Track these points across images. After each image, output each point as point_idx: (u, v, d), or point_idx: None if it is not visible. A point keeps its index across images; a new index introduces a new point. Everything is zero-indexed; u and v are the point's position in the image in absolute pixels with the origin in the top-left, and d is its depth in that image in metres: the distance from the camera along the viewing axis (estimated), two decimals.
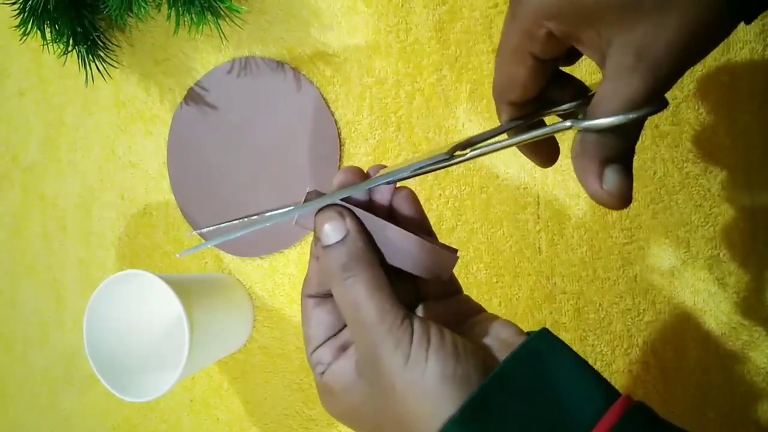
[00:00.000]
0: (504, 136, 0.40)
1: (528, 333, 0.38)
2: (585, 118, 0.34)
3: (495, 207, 0.69)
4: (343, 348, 0.38)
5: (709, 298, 0.65)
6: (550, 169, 0.68)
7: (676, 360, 0.66)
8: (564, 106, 0.40)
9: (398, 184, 0.40)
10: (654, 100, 0.33)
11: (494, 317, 0.40)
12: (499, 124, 0.41)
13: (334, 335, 0.39)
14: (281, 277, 0.77)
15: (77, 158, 0.84)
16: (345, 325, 0.40)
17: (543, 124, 0.40)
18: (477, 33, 0.69)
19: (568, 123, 0.35)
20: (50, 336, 0.86)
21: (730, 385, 0.64)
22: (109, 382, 0.67)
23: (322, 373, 0.38)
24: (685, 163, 0.65)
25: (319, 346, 0.39)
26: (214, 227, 0.43)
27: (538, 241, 0.69)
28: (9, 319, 0.88)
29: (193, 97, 0.78)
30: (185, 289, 0.65)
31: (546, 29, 0.33)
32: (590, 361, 0.67)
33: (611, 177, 0.35)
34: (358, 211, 0.38)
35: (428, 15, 0.70)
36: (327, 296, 0.40)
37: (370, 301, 0.34)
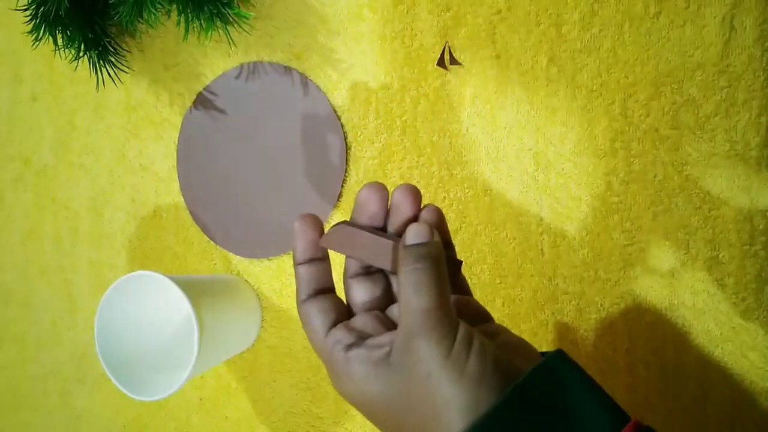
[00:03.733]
0: None
1: (543, 353, 0.39)
2: None
3: (498, 209, 0.70)
4: (362, 333, 0.40)
5: (709, 298, 0.65)
6: (552, 172, 0.69)
7: (676, 359, 0.66)
8: None
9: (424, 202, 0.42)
10: None
11: (509, 331, 0.42)
12: None
13: (345, 321, 0.41)
14: (289, 277, 0.78)
15: (89, 161, 0.85)
16: (350, 315, 0.42)
17: None
18: (480, 39, 0.70)
19: None
20: (62, 336, 0.87)
21: (729, 384, 0.65)
22: (119, 381, 0.67)
23: (345, 349, 0.39)
24: (685, 167, 0.65)
25: (331, 329, 0.40)
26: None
27: (541, 243, 0.69)
28: (22, 319, 0.89)
29: (202, 101, 0.79)
30: (194, 290, 0.66)
31: None
32: (591, 361, 0.68)
33: None
34: (369, 235, 0.41)
35: (433, 21, 0.71)
36: (320, 293, 0.42)
37: (431, 289, 0.36)
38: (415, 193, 0.41)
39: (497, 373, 0.35)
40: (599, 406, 0.35)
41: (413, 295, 0.36)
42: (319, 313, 0.41)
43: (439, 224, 0.42)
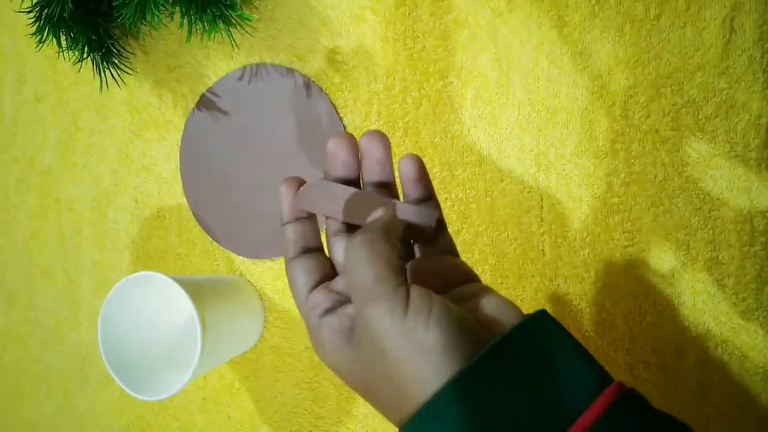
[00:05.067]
0: None
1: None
2: None
3: (499, 210, 0.71)
4: (339, 296, 0.39)
5: (709, 299, 0.66)
6: (553, 173, 0.69)
7: (677, 359, 0.67)
8: None
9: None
10: None
11: (492, 291, 0.40)
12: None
13: (327, 282, 0.41)
14: None
15: (92, 163, 0.86)
16: (335, 274, 0.42)
17: None
18: (482, 41, 0.70)
19: None
20: (66, 336, 0.88)
21: (729, 384, 0.65)
22: (123, 381, 0.67)
23: (320, 315, 0.38)
24: (685, 168, 0.66)
25: (312, 290, 0.40)
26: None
27: (542, 243, 0.70)
28: (26, 319, 0.90)
29: (205, 103, 0.80)
30: (198, 290, 0.66)
31: None
32: None
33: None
34: (340, 187, 0.41)
35: (435, 23, 0.71)
36: (308, 251, 0.42)
37: (369, 266, 0.35)
38: (381, 137, 0.41)
39: (464, 341, 0.34)
40: (582, 367, 0.34)
41: (352, 271, 0.35)
42: (302, 273, 0.41)
43: (419, 175, 0.42)
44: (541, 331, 0.35)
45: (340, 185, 0.41)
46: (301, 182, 0.42)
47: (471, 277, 0.42)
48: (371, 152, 0.42)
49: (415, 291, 0.35)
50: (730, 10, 0.64)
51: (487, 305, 0.38)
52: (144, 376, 0.70)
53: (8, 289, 0.90)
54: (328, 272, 0.41)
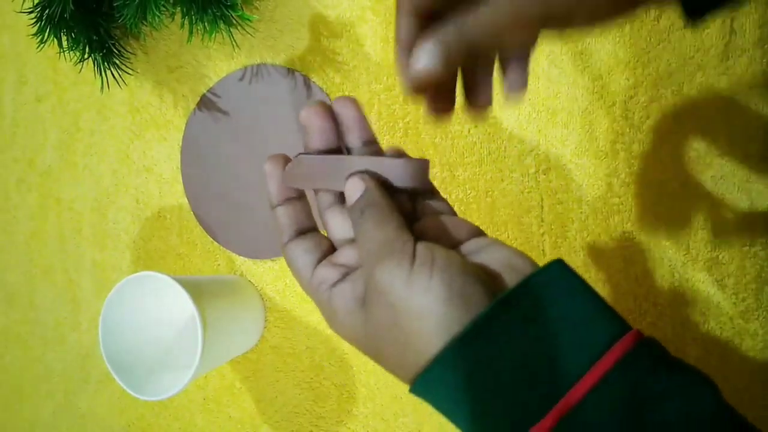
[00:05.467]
0: None
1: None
2: None
3: (500, 210, 0.71)
4: (346, 267, 0.40)
5: (709, 299, 0.66)
6: (553, 173, 0.69)
7: None
8: None
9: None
10: None
11: (502, 244, 0.39)
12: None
13: (329, 256, 0.41)
14: (292, 278, 0.78)
15: (93, 163, 0.86)
16: (333, 249, 0.42)
17: None
18: None
19: None
20: (67, 336, 0.88)
21: (729, 384, 0.65)
22: (124, 381, 0.67)
23: (330, 287, 0.39)
24: (685, 168, 0.66)
25: (317, 266, 0.40)
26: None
27: (542, 243, 0.70)
28: (26, 319, 0.90)
29: (205, 103, 0.80)
30: (198, 290, 0.67)
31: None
32: None
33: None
34: (325, 157, 0.41)
35: None
36: (304, 232, 0.42)
37: (376, 232, 0.36)
38: (352, 99, 0.41)
39: (472, 289, 0.34)
40: (597, 314, 0.34)
41: (362, 241, 0.37)
42: (303, 254, 0.41)
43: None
44: (554, 282, 0.35)
45: (323, 156, 0.41)
46: (286, 159, 0.42)
47: (476, 232, 0.42)
48: (346, 114, 0.41)
49: (420, 245, 0.36)
50: (729, 11, 0.64)
51: (498, 257, 0.38)
52: (145, 376, 0.70)
53: (9, 289, 0.90)
54: (328, 248, 0.41)
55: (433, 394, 0.35)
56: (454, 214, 0.44)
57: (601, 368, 0.32)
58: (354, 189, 0.39)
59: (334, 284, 0.38)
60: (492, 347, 0.33)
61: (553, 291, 0.35)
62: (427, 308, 0.33)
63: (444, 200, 0.44)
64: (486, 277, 0.36)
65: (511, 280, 0.36)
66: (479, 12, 0.33)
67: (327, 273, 0.39)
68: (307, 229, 0.42)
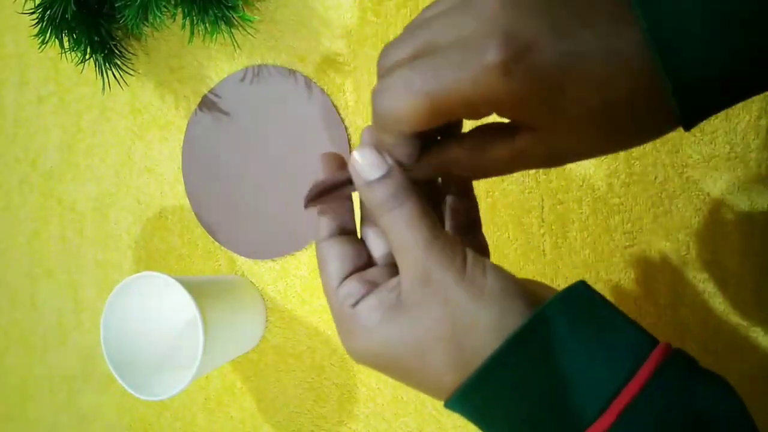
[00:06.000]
0: None
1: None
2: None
3: (500, 211, 0.71)
4: (375, 284, 0.38)
5: (709, 299, 0.66)
6: (553, 173, 0.69)
7: None
8: None
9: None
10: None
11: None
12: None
13: (359, 271, 0.39)
14: (293, 279, 0.78)
15: (94, 163, 0.86)
16: (370, 263, 0.40)
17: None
18: None
19: None
20: (68, 336, 0.88)
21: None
22: (125, 381, 0.68)
23: (353, 305, 0.37)
24: (686, 168, 0.66)
25: (345, 279, 0.38)
26: None
27: (543, 244, 0.70)
28: (28, 320, 0.90)
29: (207, 104, 0.80)
30: (200, 290, 0.67)
31: (489, 111, 0.33)
32: None
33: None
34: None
35: None
36: (342, 234, 0.40)
37: (421, 223, 0.35)
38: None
39: (519, 293, 0.34)
40: (628, 328, 0.35)
41: (403, 234, 0.35)
42: (335, 260, 0.39)
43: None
44: (587, 296, 0.36)
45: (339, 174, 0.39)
46: (338, 156, 0.40)
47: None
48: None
49: (467, 249, 0.36)
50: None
51: (527, 281, 0.38)
52: (146, 376, 0.70)
53: (10, 290, 0.91)
54: (362, 260, 0.40)
55: (485, 390, 0.34)
56: (479, 224, 0.44)
57: (639, 380, 0.33)
58: (374, 163, 0.36)
59: (358, 302, 0.37)
60: (541, 353, 0.33)
61: (588, 303, 0.35)
62: (483, 307, 0.34)
63: (472, 198, 0.43)
64: (525, 285, 0.36)
65: (543, 294, 0.36)
66: (488, 161, 0.36)
67: (353, 289, 0.37)
68: (349, 230, 0.40)
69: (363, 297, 0.37)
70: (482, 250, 0.43)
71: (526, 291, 0.35)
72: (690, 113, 0.31)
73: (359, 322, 0.36)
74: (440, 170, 0.37)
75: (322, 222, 0.40)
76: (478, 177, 0.38)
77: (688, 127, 0.32)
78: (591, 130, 0.32)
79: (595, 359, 0.33)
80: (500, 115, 0.33)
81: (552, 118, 0.32)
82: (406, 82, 0.32)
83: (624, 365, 0.33)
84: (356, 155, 0.36)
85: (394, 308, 0.36)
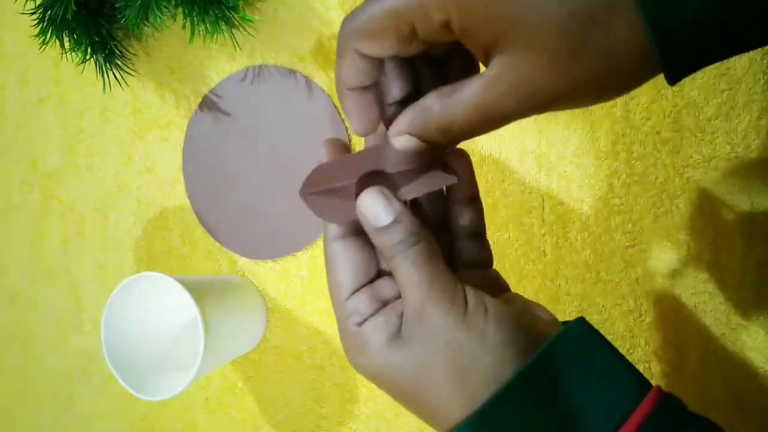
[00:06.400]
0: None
1: (564, 323, 0.38)
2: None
3: (501, 211, 0.71)
4: (383, 302, 0.37)
5: (710, 299, 0.66)
6: (554, 174, 0.69)
7: (677, 360, 0.67)
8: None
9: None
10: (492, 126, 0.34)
11: (525, 298, 0.40)
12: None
13: (370, 284, 0.38)
14: (293, 279, 0.78)
15: (95, 164, 0.86)
16: (379, 274, 0.39)
17: None
18: None
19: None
20: (69, 337, 0.88)
21: (729, 384, 0.65)
22: (126, 382, 0.68)
23: (359, 323, 0.37)
24: (686, 169, 0.66)
25: (354, 292, 0.37)
26: None
27: (543, 244, 0.70)
28: (29, 320, 0.90)
29: (207, 104, 0.80)
30: (200, 291, 0.67)
31: (445, 17, 0.32)
32: None
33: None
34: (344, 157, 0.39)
35: None
36: (356, 235, 0.38)
37: (427, 266, 0.35)
38: (466, 155, 0.41)
39: (518, 338, 0.35)
40: (623, 371, 0.35)
41: (409, 274, 0.35)
42: (347, 269, 0.38)
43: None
44: (583, 337, 0.36)
45: (342, 157, 0.39)
46: (341, 142, 0.40)
47: (504, 287, 0.43)
48: (459, 167, 0.40)
49: (469, 290, 0.36)
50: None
51: (525, 309, 0.39)
52: (147, 376, 0.70)
53: (11, 290, 0.91)
54: (373, 269, 0.39)
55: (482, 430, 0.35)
56: (491, 259, 0.44)
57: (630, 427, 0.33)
58: (381, 212, 0.36)
59: (365, 320, 0.37)
60: (540, 393, 0.34)
61: (583, 345, 0.36)
62: (483, 353, 0.34)
63: (487, 245, 0.43)
64: (528, 327, 0.36)
65: (545, 331, 0.37)
66: (459, 103, 0.33)
67: (362, 306, 0.37)
68: (361, 230, 0.38)
69: (370, 316, 0.37)
70: (487, 257, 0.43)
71: (525, 336, 0.35)
72: (667, 50, 0.30)
73: (363, 342, 0.36)
74: (423, 133, 0.36)
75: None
76: (466, 132, 0.35)
77: (669, 72, 0.31)
78: (556, 47, 0.30)
79: (587, 408, 0.34)
80: (457, 25, 0.32)
81: (507, 23, 0.31)
82: (359, 9, 0.33)
83: (615, 414, 0.34)
84: (364, 201, 0.36)
85: (397, 336, 0.36)
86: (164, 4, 0.71)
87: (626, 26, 0.29)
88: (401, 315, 0.36)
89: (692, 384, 0.66)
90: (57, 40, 0.76)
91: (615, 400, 0.34)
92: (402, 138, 0.36)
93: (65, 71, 0.86)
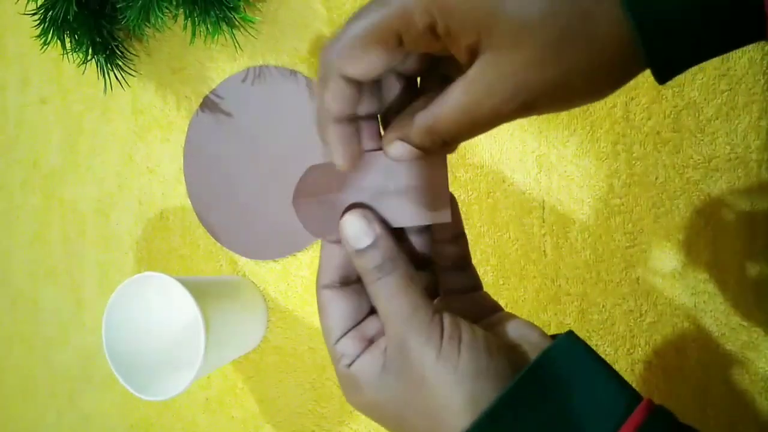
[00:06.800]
0: None
1: (553, 336, 0.38)
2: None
3: (501, 211, 0.71)
4: (369, 340, 0.38)
5: (710, 299, 0.66)
6: (555, 174, 0.69)
7: (677, 360, 0.67)
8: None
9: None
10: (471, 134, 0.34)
11: (515, 317, 0.40)
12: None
13: (356, 326, 0.39)
14: (294, 279, 0.78)
15: (96, 164, 0.86)
16: (367, 315, 0.39)
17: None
18: None
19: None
20: (70, 337, 0.88)
21: (729, 384, 0.65)
22: (127, 382, 0.68)
23: (348, 365, 0.37)
24: (686, 169, 0.66)
25: (342, 336, 0.38)
26: None
27: (543, 244, 0.70)
28: (30, 320, 0.90)
29: (208, 104, 0.80)
30: (201, 291, 0.67)
31: (430, 21, 0.32)
32: None
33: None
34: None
35: None
36: (344, 285, 0.39)
37: (403, 296, 0.35)
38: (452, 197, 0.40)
39: (496, 364, 0.34)
40: (611, 387, 0.35)
41: (387, 304, 0.35)
42: (335, 316, 0.38)
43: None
44: (572, 353, 0.36)
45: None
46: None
47: (494, 308, 0.42)
48: None
49: (447, 318, 0.35)
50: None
51: (513, 330, 0.38)
52: (148, 376, 0.70)
53: (13, 290, 0.91)
54: (364, 313, 0.39)
55: None
56: (480, 284, 0.43)
57: None
58: (360, 233, 0.37)
59: (353, 361, 0.37)
60: (519, 422, 0.33)
61: (567, 364, 0.35)
62: (457, 385, 0.34)
63: (474, 272, 0.43)
64: (508, 352, 0.36)
65: (529, 352, 0.36)
66: (444, 105, 0.33)
67: (349, 348, 0.38)
68: (353, 280, 0.39)
69: (357, 357, 0.37)
70: (474, 284, 0.43)
71: (503, 361, 0.35)
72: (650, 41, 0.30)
73: (354, 382, 0.37)
74: (413, 137, 0.36)
75: (327, 267, 0.39)
76: (454, 134, 0.35)
77: (654, 66, 0.30)
78: (536, 42, 0.30)
79: (576, 423, 0.34)
80: (442, 27, 0.32)
81: (489, 20, 0.31)
82: (339, 34, 0.34)
83: (607, 425, 0.33)
84: (346, 221, 0.37)
85: (383, 371, 0.36)
86: (165, 4, 0.71)
87: (608, 15, 0.29)
88: (384, 352, 0.37)
89: (692, 383, 0.66)
90: (58, 41, 0.77)
91: (606, 412, 0.34)
92: (395, 145, 0.36)
93: (66, 72, 0.86)
